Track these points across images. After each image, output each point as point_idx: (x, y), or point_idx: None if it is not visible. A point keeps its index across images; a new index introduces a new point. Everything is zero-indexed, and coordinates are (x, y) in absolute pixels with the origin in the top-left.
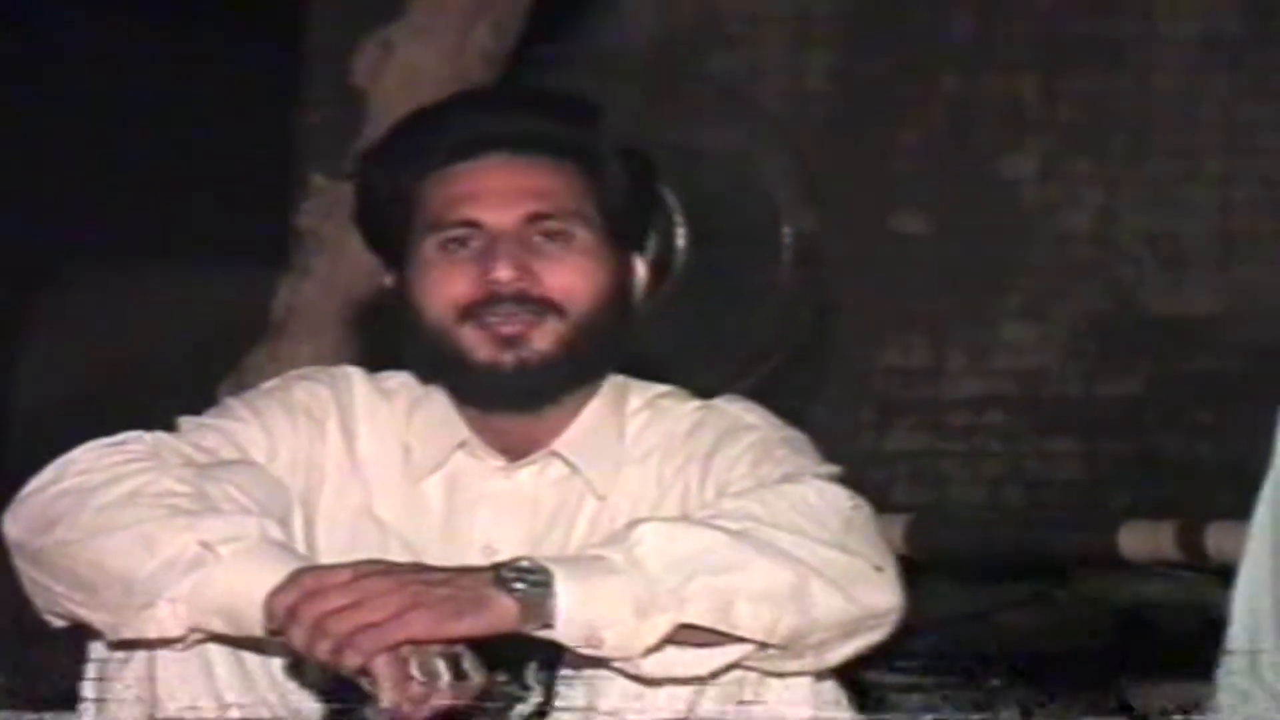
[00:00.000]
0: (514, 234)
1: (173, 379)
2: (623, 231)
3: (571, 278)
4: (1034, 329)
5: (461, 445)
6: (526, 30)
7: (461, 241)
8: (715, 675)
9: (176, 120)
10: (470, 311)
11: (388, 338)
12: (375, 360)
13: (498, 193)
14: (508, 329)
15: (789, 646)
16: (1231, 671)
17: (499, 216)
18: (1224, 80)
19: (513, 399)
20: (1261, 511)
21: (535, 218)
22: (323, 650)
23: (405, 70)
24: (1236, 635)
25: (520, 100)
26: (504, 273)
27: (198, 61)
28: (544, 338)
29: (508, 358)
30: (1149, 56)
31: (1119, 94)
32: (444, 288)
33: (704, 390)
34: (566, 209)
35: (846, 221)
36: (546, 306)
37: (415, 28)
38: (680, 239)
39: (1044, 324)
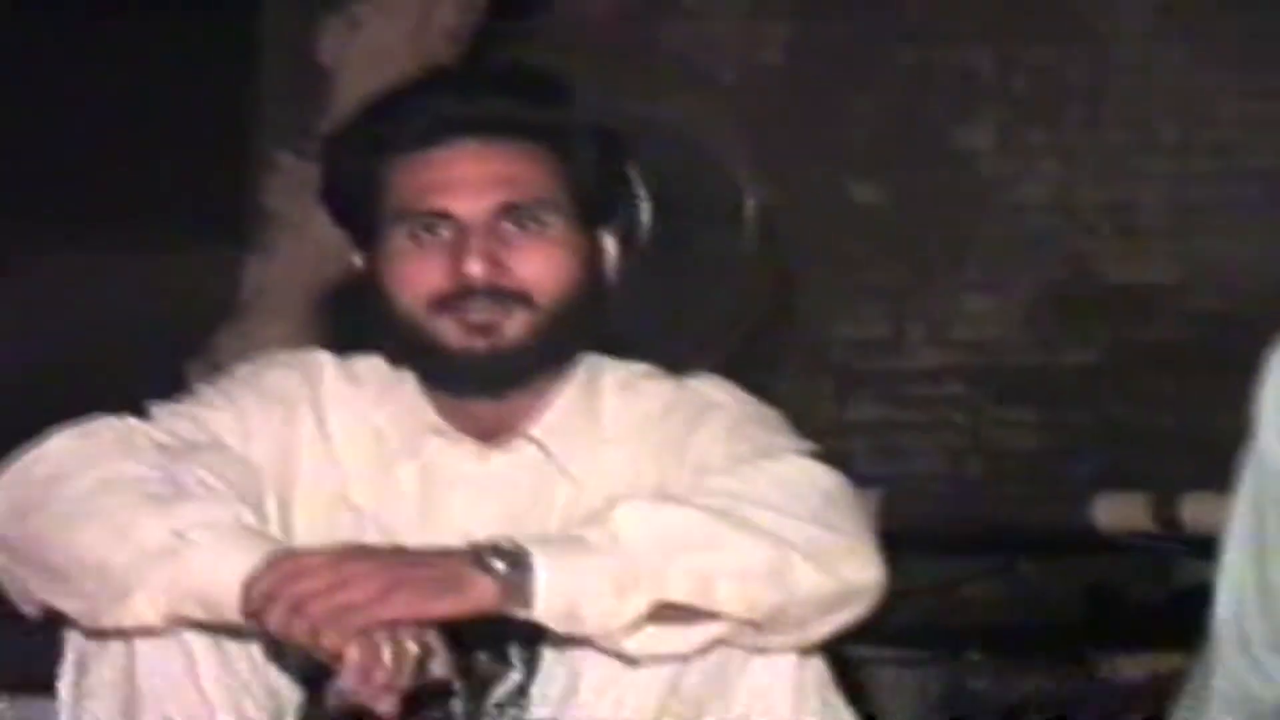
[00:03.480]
0: (485, 225)
1: (139, 361)
2: (593, 212)
3: (543, 268)
4: (992, 299)
5: (434, 430)
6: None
7: (432, 230)
8: (697, 653)
9: (128, 101)
10: (443, 303)
11: (357, 317)
12: (346, 339)
13: (469, 182)
14: (479, 317)
15: (770, 623)
16: (1221, 645)
17: (470, 207)
18: (1179, 49)
19: (485, 384)
20: (1243, 487)
21: (507, 208)
22: (300, 631)
23: (370, 47)
24: (1223, 610)
25: (490, 82)
26: (476, 267)
27: (152, 40)
28: (515, 326)
29: (480, 344)
30: (1104, 25)
31: (1074, 64)
32: (415, 279)
33: (673, 366)
34: (538, 197)
35: (803, 193)
36: (518, 298)
37: (380, 4)
38: (644, 214)
39: (1001, 294)
